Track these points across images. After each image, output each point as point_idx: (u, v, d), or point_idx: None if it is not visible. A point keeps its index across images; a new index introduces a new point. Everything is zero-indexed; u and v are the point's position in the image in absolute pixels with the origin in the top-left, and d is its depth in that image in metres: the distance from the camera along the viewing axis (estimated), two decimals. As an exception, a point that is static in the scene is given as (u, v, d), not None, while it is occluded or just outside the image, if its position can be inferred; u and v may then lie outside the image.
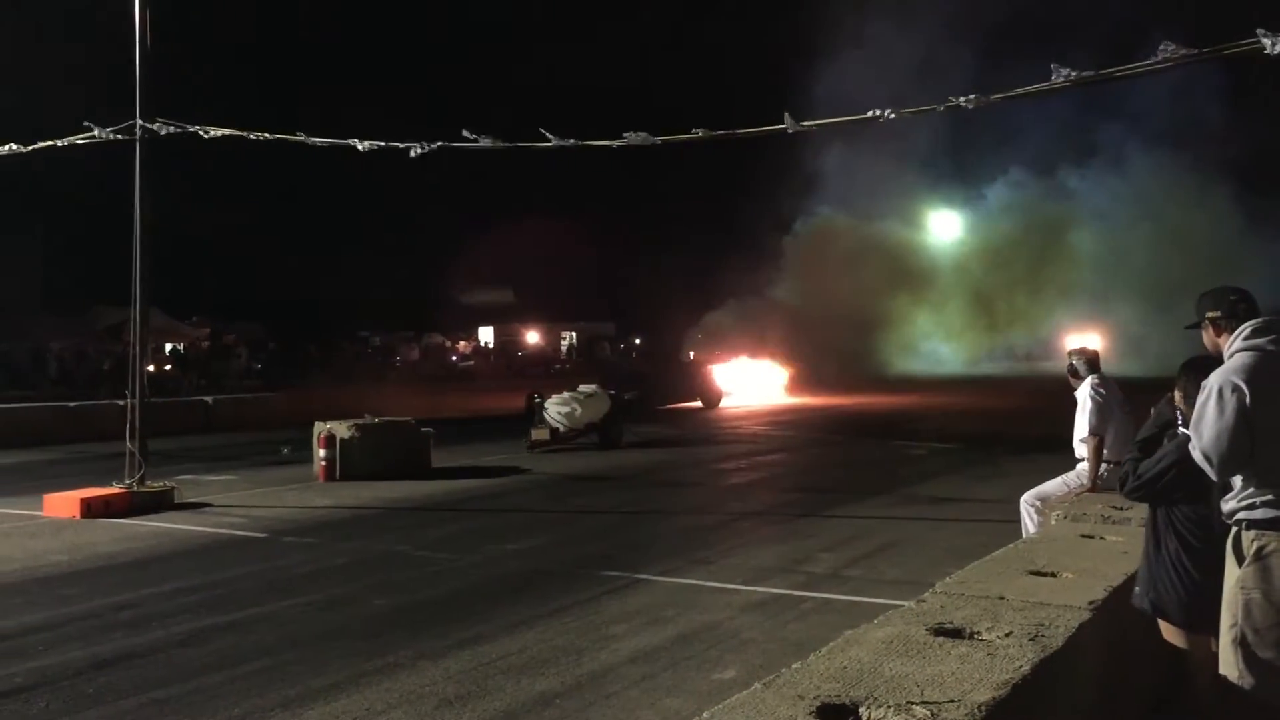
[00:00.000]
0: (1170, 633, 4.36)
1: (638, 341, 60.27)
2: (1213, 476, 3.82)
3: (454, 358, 52.15)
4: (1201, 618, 4.10)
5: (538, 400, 19.80)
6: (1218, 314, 4.09)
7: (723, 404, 30.73)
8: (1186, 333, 4.31)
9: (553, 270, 55.85)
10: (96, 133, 13.03)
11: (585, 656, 6.46)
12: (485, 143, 11.28)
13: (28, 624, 7.30)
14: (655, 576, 8.66)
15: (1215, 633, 3.92)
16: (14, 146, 13.78)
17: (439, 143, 11.60)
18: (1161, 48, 7.84)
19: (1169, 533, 4.33)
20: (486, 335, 65.19)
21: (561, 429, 18.98)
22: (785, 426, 24.47)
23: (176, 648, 6.76)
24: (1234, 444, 3.70)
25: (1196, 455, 3.81)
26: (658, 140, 10.88)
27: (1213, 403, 3.75)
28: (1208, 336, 4.16)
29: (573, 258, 54.39)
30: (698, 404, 29.97)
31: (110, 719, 5.51)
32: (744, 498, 13.84)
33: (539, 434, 19.03)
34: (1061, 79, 8.36)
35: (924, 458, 17.97)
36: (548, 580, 8.60)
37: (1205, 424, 3.76)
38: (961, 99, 9.06)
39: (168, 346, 38.43)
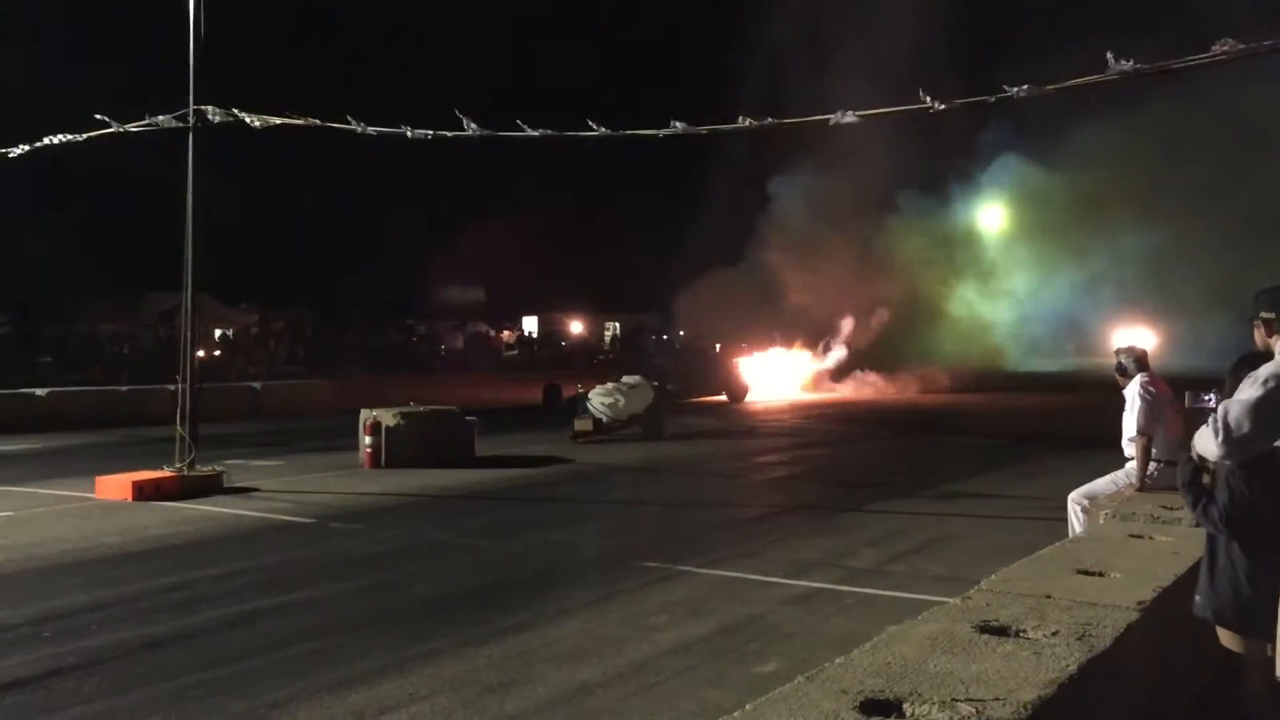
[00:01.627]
0: (1225, 637, 4.27)
1: (681, 333, 60.16)
2: (1214, 448, 3.70)
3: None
4: (1257, 622, 4.02)
5: (581, 391, 19.84)
6: (1272, 315, 4.01)
7: (748, 399, 30.13)
8: (1241, 329, 4.24)
9: (598, 260, 55.95)
10: (151, 120, 13.23)
11: (627, 646, 6.48)
12: (530, 133, 11.33)
13: (80, 604, 7.44)
14: (697, 568, 8.66)
15: (1272, 637, 3.84)
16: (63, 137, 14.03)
17: (486, 130, 11.64)
18: (1218, 45, 7.76)
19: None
20: (531, 325, 65.43)
21: (605, 420, 19.01)
22: (823, 420, 24.33)
23: (224, 630, 6.88)
24: (1255, 423, 3.61)
25: (1214, 424, 3.70)
26: (703, 130, 10.86)
27: (1257, 386, 3.68)
28: (1259, 335, 4.08)
29: (617, 248, 54.42)
30: (723, 398, 29.38)
31: (159, 699, 5.61)
32: (786, 491, 13.79)
33: (582, 425, 19.05)
34: (1116, 71, 8.25)
35: (968, 454, 17.80)
36: (590, 570, 8.62)
37: (1239, 398, 3.68)
38: (1014, 90, 8.96)
39: (216, 332, 38.94)
